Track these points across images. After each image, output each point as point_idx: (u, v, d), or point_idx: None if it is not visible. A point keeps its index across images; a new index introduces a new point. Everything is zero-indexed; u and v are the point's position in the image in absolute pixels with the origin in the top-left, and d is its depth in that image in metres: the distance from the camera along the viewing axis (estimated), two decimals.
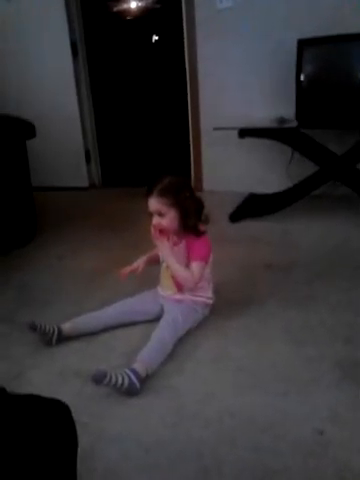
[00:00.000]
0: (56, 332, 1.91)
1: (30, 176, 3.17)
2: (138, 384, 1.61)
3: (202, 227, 1.95)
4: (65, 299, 2.32)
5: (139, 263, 2.03)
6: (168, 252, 1.91)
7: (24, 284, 2.52)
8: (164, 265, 2.01)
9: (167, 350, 1.79)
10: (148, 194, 1.88)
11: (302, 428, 1.45)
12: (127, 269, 2.02)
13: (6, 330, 2.07)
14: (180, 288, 2.00)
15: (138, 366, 1.67)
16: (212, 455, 1.37)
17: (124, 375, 1.61)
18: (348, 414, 1.49)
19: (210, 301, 2.05)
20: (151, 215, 1.91)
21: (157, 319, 1.96)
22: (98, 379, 1.59)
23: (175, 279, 1.97)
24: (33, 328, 1.89)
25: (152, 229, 1.90)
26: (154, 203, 1.87)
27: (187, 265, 1.93)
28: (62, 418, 0.92)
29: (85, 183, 4.49)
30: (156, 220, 1.89)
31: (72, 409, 0.95)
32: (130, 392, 1.61)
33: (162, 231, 1.90)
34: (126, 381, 1.60)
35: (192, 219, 1.90)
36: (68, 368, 1.79)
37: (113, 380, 1.58)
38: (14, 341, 1.98)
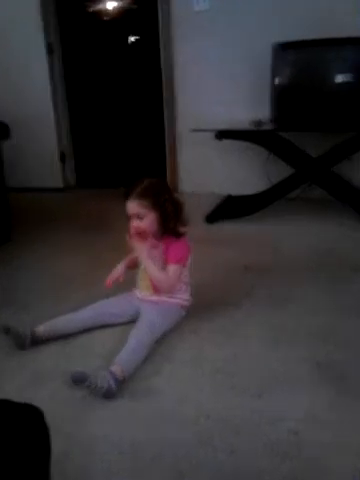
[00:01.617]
0: (29, 336, 1.88)
1: (4, 176, 3.12)
2: (115, 387, 1.60)
3: (182, 229, 1.94)
4: (42, 301, 2.29)
5: (119, 271, 2.01)
6: (145, 254, 1.90)
7: (0, 286, 2.48)
8: (142, 266, 2.00)
9: (145, 352, 1.78)
10: (127, 197, 1.87)
11: (278, 429, 1.45)
12: (112, 277, 1.99)
13: None
14: (157, 290, 1.98)
15: (116, 369, 1.65)
16: (188, 457, 1.36)
17: (103, 378, 1.59)
18: (324, 415, 1.50)
19: (187, 303, 2.05)
20: (129, 218, 1.89)
21: (133, 321, 1.94)
22: (77, 380, 1.59)
23: (152, 280, 1.96)
24: (6, 331, 1.86)
25: (131, 232, 1.89)
26: (133, 206, 1.86)
27: (164, 267, 1.92)
28: (35, 423, 0.90)
29: (60, 184, 4.46)
30: (135, 223, 1.88)
31: (46, 413, 0.93)
32: (107, 395, 1.59)
33: (141, 234, 1.89)
34: (105, 384, 1.58)
35: (171, 221, 1.89)
36: (43, 371, 1.77)
37: (93, 383, 1.57)
38: None
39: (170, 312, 1.98)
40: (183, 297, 2.03)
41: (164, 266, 1.92)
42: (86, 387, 1.58)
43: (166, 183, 2.07)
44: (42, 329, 1.92)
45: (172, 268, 1.91)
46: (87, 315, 1.99)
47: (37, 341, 1.90)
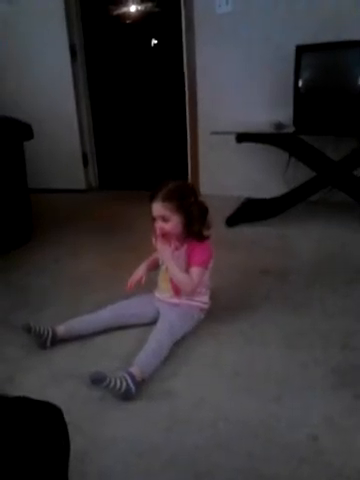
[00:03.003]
0: (51, 334, 1.90)
1: (27, 178, 3.17)
2: (134, 389, 1.60)
3: (206, 232, 1.94)
4: (61, 301, 2.31)
5: (140, 273, 2.01)
6: (169, 256, 1.90)
7: (20, 286, 2.52)
8: (163, 268, 2.00)
9: (164, 354, 1.78)
10: (152, 199, 1.87)
11: (296, 434, 1.44)
12: (132, 281, 1.99)
13: (0, 332, 2.06)
14: (177, 292, 1.99)
15: (135, 370, 1.66)
16: (205, 460, 1.36)
17: (122, 379, 1.60)
18: (342, 420, 1.49)
19: (206, 306, 2.05)
20: (154, 219, 1.90)
21: (152, 323, 1.95)
22: (96, 380, 1.60)
23: (173, 282, 1.97)
24: (28, 330, 1.88)
25: (156, 233, 1.90)
26: (158, 208, 1.86)
27: (186, 270, 1.92)
28: (54, 421, 0.91)
29: (82, 185, 4.49)
30: (160, 225, 1.88)
31: (65, 412, 0.94)
32: (126, 396, 1.60)
33: (165, 235, 1.89)
34: (123, 385, 1.59)
35: (196, 225, 1.89)
36: (62, 371, 1.78)
37: (111, 383, 1.58)
38: (8, 343, 1.97)
39: (190, 315, 1.98)
40: (202, 300, 2.03)
41: (187, 268, 1.93)
42: (104, 388, 1.59)
43: (192, 186, 2.07)
44: (62, 328, 1.94)
45: (195, 271, 1.90)
46: (107, 315, 2.00)
47: (56, 340, 1.92)
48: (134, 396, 1.61)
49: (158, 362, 1.75)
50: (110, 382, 1.58)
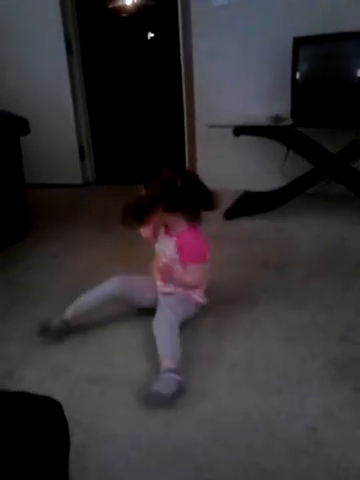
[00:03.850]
0: (64, 326, 1.91)
1: (23, 172, 3.15)
2: (181, 379, 1.60)
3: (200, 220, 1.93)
4: (59, 296, 2.29)
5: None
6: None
7: (19, 281, 2.51)
8: (156, 254, 2.00)
9: (175, 336, 1.75)
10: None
11: (296, 426, 1.44)
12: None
13: (0, 327, 2.06)
14: (164, 279, 1.96)
15: (168, 363, 1.64)
16: (205, 454, 1.36)
17: (166, 380, 1.59)
18: (341, 412, 1.49)
19: (201, 300, 2.01)
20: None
21: (150, 308, 1.94)
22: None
23: (161, 270, 1.94)
24: (46, 327, 1.90)
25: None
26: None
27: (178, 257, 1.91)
28: (54, 415, 0.91)
29: (79, 180, 4.47)
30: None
31: (65, 406, 0.94)
32: (181, 390, 1.58)
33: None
34: (172, 383, 1.58)
35: (187, 212, 1.89)
36: (61, 365, 1.78)
37: (155, 388, 1.57)
38: (8, 338, 1.97)
39: (186, 300, 1.96)
40: (197, 294, 2.00)
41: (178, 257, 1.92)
42: (154, 396, 1.56)
43: (174, 173, 2.05)
44: (71, 313, 1.94)
45: (193, 268, 1.89)
46: (111, 288, 1.99)
47: (70, 329, 1.93)
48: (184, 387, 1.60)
49: (177, 344, 1.72)
50: (165, 397, 1.55)
